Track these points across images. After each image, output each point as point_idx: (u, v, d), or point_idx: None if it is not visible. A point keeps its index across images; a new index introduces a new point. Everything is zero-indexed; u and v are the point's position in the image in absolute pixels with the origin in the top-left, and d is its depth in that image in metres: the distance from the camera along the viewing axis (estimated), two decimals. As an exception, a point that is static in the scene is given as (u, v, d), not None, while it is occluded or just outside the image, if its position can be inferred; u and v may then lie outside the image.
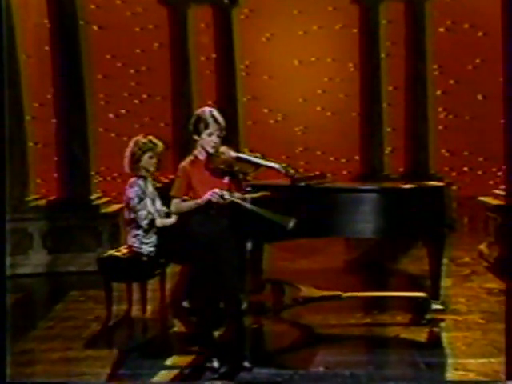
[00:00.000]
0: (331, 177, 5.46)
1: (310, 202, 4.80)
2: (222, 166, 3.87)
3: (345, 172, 9.79)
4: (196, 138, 3.98)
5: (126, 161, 4.84)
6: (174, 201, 3.97)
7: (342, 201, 4.79)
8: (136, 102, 9.42)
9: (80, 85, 6.92)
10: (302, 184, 4.83)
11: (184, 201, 3.98)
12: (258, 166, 3.94)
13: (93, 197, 6.96)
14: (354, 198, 4.79)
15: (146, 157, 4.81)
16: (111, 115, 9.33)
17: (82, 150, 6.91)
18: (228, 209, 3.93)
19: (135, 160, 4.82)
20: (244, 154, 3.96)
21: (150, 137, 4.92)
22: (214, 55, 9.24)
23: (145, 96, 9.43)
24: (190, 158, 4.00)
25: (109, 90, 9.15)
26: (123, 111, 9.37)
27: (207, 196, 3.82)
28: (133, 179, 4.82)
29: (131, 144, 4.86)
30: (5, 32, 3.27)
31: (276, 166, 3.85)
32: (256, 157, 3.91)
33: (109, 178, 9.14)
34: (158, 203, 4.88)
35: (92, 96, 7.18)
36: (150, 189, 4.86)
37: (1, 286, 2.91)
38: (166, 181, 5.36)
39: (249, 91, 9.47)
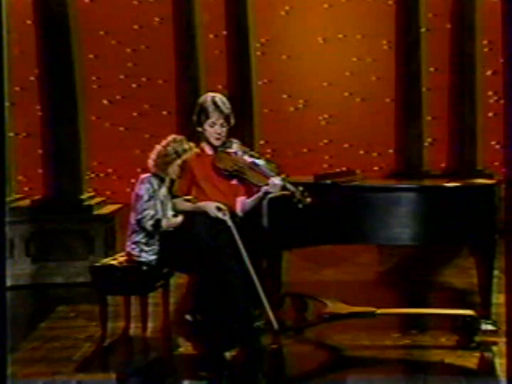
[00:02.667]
0: (361, 173, 5.49)
1: (337, 202, 4.83)
2: (231, 170, 3.91)
3: (377, 168, 9.79)
4: (199, 129, 4.05)
5: (154, 157, 4.74)
6: (174, 200, 4.05)
7: (373, 202, 4.81)
8: (134, 85, 9.46)
9: (68, 66, 6.98)
10: (328, 182, 4.86)
11: (187, 201, 4.03)
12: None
13: (84, 196, 7.02)
14: (387, 198, 4.81)
15: (176, 163, 4.69)
16: (105, 101, 9.38)
17: (71, 141, 6.97)
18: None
19: (165, 161, 4.69)
20: (260, 160, 3.97)
21: (192, 144, 4.73)
22: (224, 32, 9.26)
23: (144, 79, 9.47)
24: (196, 151, 4.06)
25: (102, 71, 9.21)
26: (119, 97, 9.42)
27: (206, 207, 3.88)
28: (146, 175, 4.80)
29: (170, 139, 4.71)
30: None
31: (291, 189, 3.90)
32: (272, 170, 3.93)
33: (102, 175, 9.22)
34: (169, 209, 4.88)
35: (82, 79, 7.24)
36: (164, 191, 4.84)
37: (1, 282, 3.11)
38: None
39: (265, 74, 9.49)
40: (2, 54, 3.28)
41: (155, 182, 4.79)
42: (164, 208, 4.83)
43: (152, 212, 4.73)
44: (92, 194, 7.31)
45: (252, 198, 3.99)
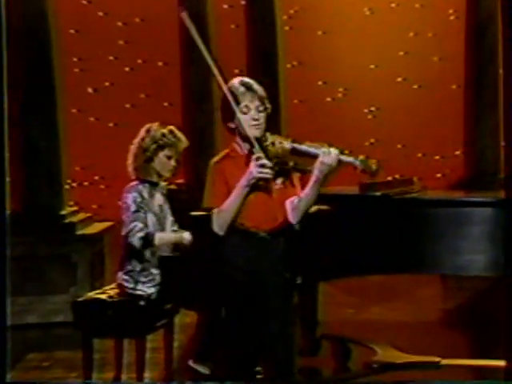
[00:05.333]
0: (419, 183, 5.51)
1: (388, 220, 4.86)
2: (273, 164, 3.92)
3: (439, 175, 9.80)
4: (231, 125, 4.02)
5: (131, 157, 4.90)
6: (215, 215, 3.97)
7: (436, 219, 4.84)
8: (126, 69, 9.54)
9: (44, 43, 7.05)
10: (376, 194, 4.90)
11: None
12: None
13: (64, 211, 7.09)
14: (455, 215, 4.83)
15: (162, 155, 4.87)
16: (89, 89, 9.47)
17: (46, 141, 7.05)
18: (285, 229, 3.96)
19: (146, 158, 4.86)
20: (302, 144, 3.99)
21: (172, 127, 4.97)
22: (242, 1, 9.34)
23: (139, 61, 9.56)
24: (227, 151, 4.03)
25: (86, 51, 9.30)
26: (107, 83, 9.50)
27: (254, 172, 3.84)
28: (133, 183, 4.90)
29: (142, 133, 4.91)
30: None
31: (349, 159, 3.89)
32: (320, 147, 3.95)
33: (86, 184, 9.29)
34: (169, 223, 4.95)
35: (60, 60, 7.31)
36: (159, 200, 4.92)
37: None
38: (173, 187, 5.46)
39: (294, 54, 9.54)
40: (1, 53, 3.48)
41: (144, 189, 4.86)
42: (161, 222, 4.88)
43: (140, 224, 4.78)
44: (74, 208, 7.38)
45: (306, 190, 3.94)
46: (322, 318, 5.45)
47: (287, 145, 3.93)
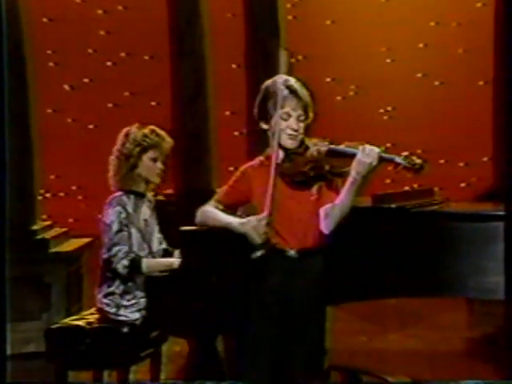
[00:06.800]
0: (441, 193, 5.54)
1: (406, 236, 4.88)
2: (307, 169, 3.93)
3: (464, 185, 9.81)
4: (264, 126, 4.04)
5: (113, 168, 4.97)
6: (204, 207, 4.03)
7: (460, 235, 4.86)
8: (108, 64, 9.57)
9: (14, 34, 7.08)
10: (392, 206, 4.92)
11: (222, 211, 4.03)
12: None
13: (36, 226, 7.11)
14: (481, 230, 4.86)
15: (146, 158, 4.94)
16: (66, 86, 9.50)
17: (16, 145, 7.07)
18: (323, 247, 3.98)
19: (130, 165, 4.94)
20: (338, 145, 4.00)
21: (152, 126, 5.04)
22: (239, -14, 9.37)
23: (122, 54, 9.58)
24: (261, 158, 4.07)
25: (62, 43, 9.33)
26: (86, 80, 9.52)
27: (242, 228, 3.87)
28: (116, 194, 4.95)
29: (121, 139, 4.99)
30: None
31: (390, 156, 3.91)
32: (358, 146, 3.96)
33: (62, 195, 9.30)
34: (156, 241, 5.00)
35: (34, 54, 7.34)
36: (145, 214, 4.98)
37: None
38: (160, 198, 5.49)
39: (300, 47, 9.56)
40: (1, 53, 3.59)
41: (129, 202, 4.93)
42: (146, 239, 4.93)
43: (125, 248, 4.82)
44: (48, 222, 7.40)
45: (341, 196, 3.92)
46: (331, 346, 5.47)
47: (323, 147, 3.94)
